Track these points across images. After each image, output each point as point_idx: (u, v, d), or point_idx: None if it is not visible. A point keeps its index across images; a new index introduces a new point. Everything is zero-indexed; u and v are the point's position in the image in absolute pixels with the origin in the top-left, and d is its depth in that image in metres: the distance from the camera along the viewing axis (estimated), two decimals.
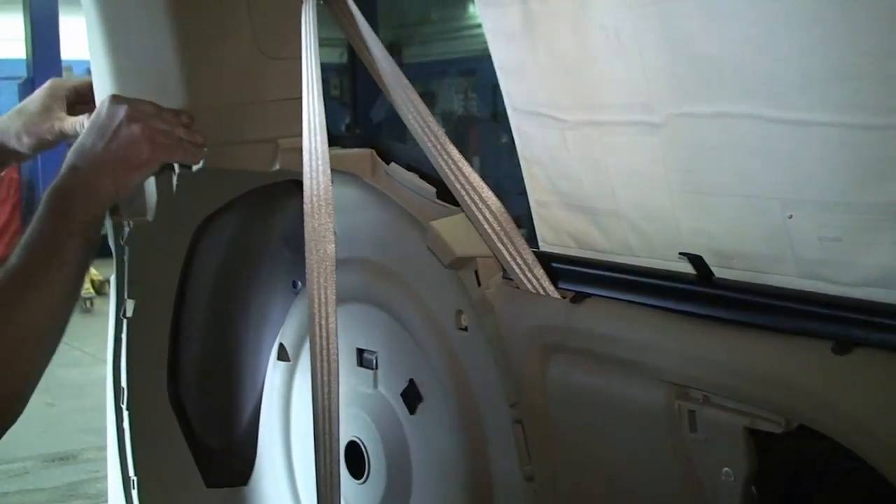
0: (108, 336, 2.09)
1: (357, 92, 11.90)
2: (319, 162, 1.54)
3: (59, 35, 11.78)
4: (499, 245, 1.53)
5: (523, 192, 1.54)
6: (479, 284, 1.58)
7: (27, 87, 11.01)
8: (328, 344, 1.53)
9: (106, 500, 2.24)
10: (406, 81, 1.59)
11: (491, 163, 10.59)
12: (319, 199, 1.54)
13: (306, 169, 1.55)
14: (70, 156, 1.54)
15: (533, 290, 1.50)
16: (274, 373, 2.12)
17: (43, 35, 11.83)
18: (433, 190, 1.68)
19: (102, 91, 1.78)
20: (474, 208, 1.55)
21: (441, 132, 1.57)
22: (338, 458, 1.57)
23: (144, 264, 2.00)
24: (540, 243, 1.55)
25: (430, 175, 1.68)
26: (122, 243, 1.98)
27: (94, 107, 1.77)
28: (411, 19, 13.96)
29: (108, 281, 2.09)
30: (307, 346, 1.63)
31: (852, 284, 1.11)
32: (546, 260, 1.51)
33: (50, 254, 1.44)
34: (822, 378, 1.11)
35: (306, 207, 1.54)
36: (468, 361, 1.64)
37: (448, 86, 12.99)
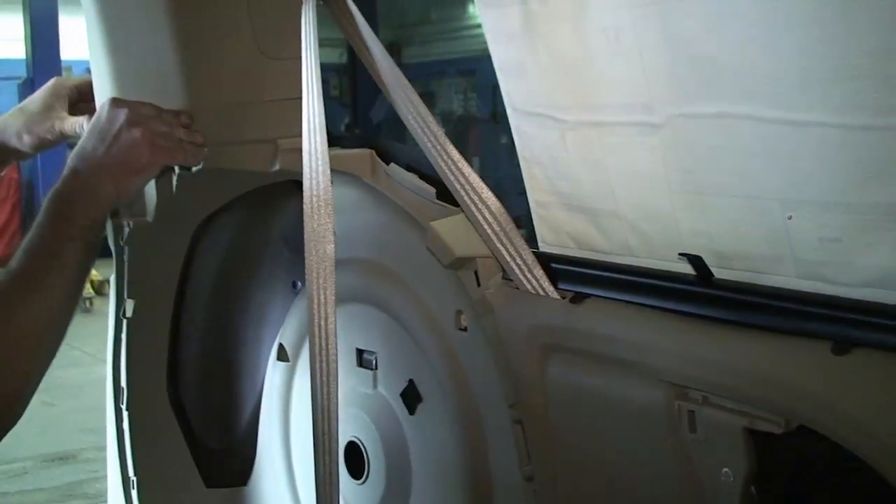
0: (107, 336, 2.09)
1: (357, 92, 11.90)
2: (319, 162, 1.54)
3: (58, 35, 11.78)
4: (498, 245, 1.53)
5: (523, 193, 1.54)
6: (479, 285, 1.58)
7: (27, 87, 11.01)
8: (328, 344, 1.53)
9: (105, 500, 2.24)
10: (406, 81, 1.59)
11: (491, 163, 10.59)
12: (319, 200, 1.54)
13: (306, 169, 1.55)
14: (71, 160, 1.54)
15: (532, 291, 1.50)
16: (273, 373, 2.12)
17: (43, 35, 11.83)
18: (433, 190, 1.68)
19: (102, 91, 1.78)
20: (474, 209, 1.55)
21: (441, 132, 1.57)
22: (337, 459, 1.57)
23: (144, 264, 2.00)
24: (539, 244, 1.55)
25: (429, 175, 1.68)
26: (121, 243, 1.98)
27: (95, 107, 1.78)
28: (411, 19, 13.96)
29: (107, 281, 2.09)
30: (307, 346, 1.63)
31: (852, 285, 1.11)
32: (546, 260, 1.51)
33: (51, 257, 1.44)
34: (822, 379, 1.11)
35: (306, 208, 1.54)
36: (468, 362, 1.64)
37: (448, 86, 12.99)
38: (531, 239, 1.55)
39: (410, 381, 1.78)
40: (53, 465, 5.57)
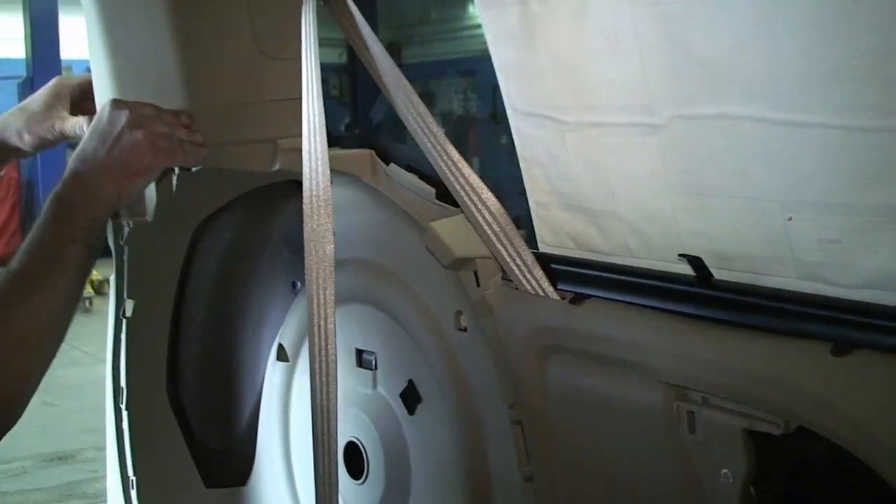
0: (107, 336, 2.09)
1: (357, 92, 11.89)
2: (319, 162, 1.54)
3: (58, 34, 11.78)
4: (498, 246, 1.53)
5: (523, 193, 1.54)
6: (479, 285, 1.58)
7: (27, 86, 11.01)
8: (327, 344, 1.53)
9: (105, 500, 2.24)
10: (405, 82, 1.59)
11: (490, 163, 10.59)
12: (319, 200, 1.54)
13: (306, 169, 1.55)
14: (72, 162, 1.54)
15: (532, 291, 1.50)
16: (273, 373, 2.12)
17: (42, 34, 11.83)
18: (432, 191, 1.68)
19: (102, 91, 1.78)
20: (473, 209, 1.55)
21: (440, 133, 1.57)
22: (336, 459, 1.57)
23: (144, 264, 2.00)
24: (539, 244, 1.55)
25: (429, 176, 1.68)
26: (121, 243, 1.98)
27: (96, 106, 1.78)
28: (411, 19, 13.95)
29: (107, 281, 2.09)
30: (306, 346, 1.63)
31: (851, 286, 1.11)
32: (545, 261, 1.51)
33: (52, 259, 1.44)
34: (821, 380, 1.11)
35: (306, 208, 1.54)
36: (467, 362, 1.64)
37: (448, 86, 12.98)
38: (531, 239, 1.55)
39: (410, 381, 1.78)
40: (53, 464, 5.56)
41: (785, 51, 1.06)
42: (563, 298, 1.47)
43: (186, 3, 1.69)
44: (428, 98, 11.60)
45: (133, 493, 2.10)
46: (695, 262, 1.27)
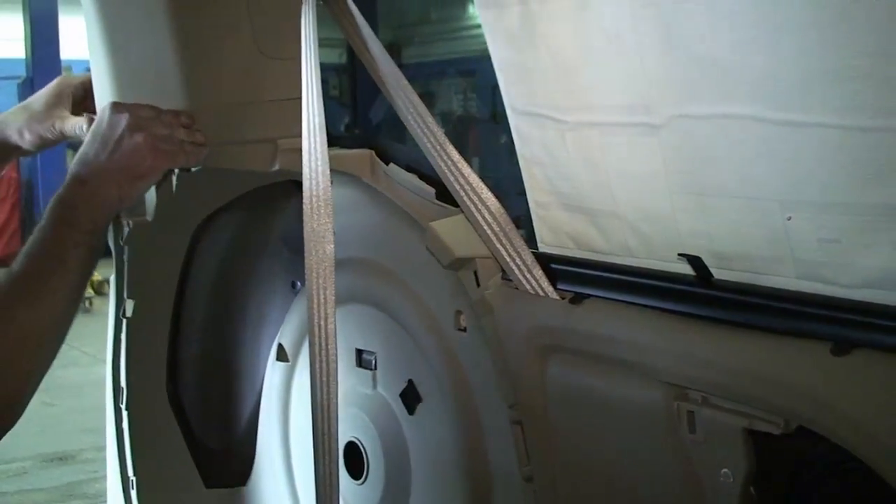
0: (107, 336, 2.09)
1: (356, 92, 11.89)
2: (319, 162, 1.54)
3: (58, 34, 11.77)
4: (498, 246, 1.53)
5: (522, 193, 1.54)
6: (479, 285, 1.58)
7: (26, 87, 11.01)
8: (327, 344, 1.53)
9: (105, 501, 2.24)
10: (405, 82, 1.59)
11: (490, 163, 10.59)
12: (319, 200, 1.54)
13: (306, 169, 1.55)
14: (74, 166, 1.55)
15: (532, 291, 1.50)
16: (273, 373, 2.12)
17: (42, 34, 11.82)
18: (432, 191, 1.68)
19: (102, 92, 1.78)
20: (473, 209, 1.55)
21: (440, 133, 1.57)
22: (337, 459, 1.57)
23: (144, 264, 2.00)
24: (539, 244, 1.55)
25: (429, 176, 1.68)
26: (121, 243, 1.98)
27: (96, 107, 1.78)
28: (411, 19, 13.95)
29: (107, 281, 2.09)
30: (306, 346, 1.63)
31: (851, 286, 1.11)
32: (545, 261, 1.51)
33: (54, 261, 1.45)
34: (821, 379, 1.11)
35: (305, 208, 1.54)
36: (467, 362, 1.65)
37: (447, 86, 12.98)
38: (531, 239, 1.55)
39: (410, 381, 1.78)
40: (53, 465, 5.56)
41: (784, 51, 1.07)
42: (563, 298, 1.47)
43: (186, 4, 1.69)
44: (428, 98, 11.60)
45: (133, 493, 2.10)
46: (695, 261, 1.27)
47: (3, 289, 1.42)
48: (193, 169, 1.80)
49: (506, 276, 1.55)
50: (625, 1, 1.22)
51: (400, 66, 1.60)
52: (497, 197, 1.55)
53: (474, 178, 1.55)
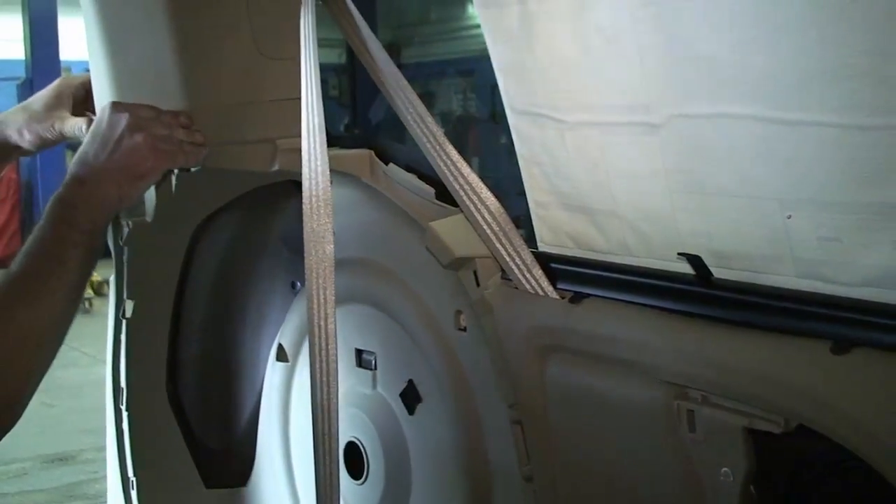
0: (107, 336, 2.09)
1: (356, 92, 11.89)
2: (318, 162, 1.54)
3: (57, 35, 11.77)
4: (497, 245, 1.53)
5: (522, 193, 1.54)
6: (478, 285, 1.58)
7: (26, 87, 11.01)
8: (327, 344, 1.53)
9: (105, 501, 2.24)
10: (405, 82, 1.59)
11: (490, 163, 10.59)
12: (318, 200, 1.54)
13: (305, 169, 1.55)
14: (73, 166, 1.55)
15: (532, 291, 1.50)
16: (273, 373, 2.12)
17: (42, 35, 11.82)
18: (432, 190, 1.68)
19: (101, 92, 1.78)
20: (473, 209, 1.55)
21: (440, 133, 1.57)
22: (337, 459, 1.57)
23: (143, 265, 2.00)
24: (539, 244, 1.55)
25: (428, 176, 1.68)
26: (121, 244, 1.98)
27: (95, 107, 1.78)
28: (410, 19, 13.95)
29: (106, 282, 2.09)
30: (306, 346, 1.63)
31: (851, 284, 1.11)
32: (545, 260, 1.51)
33: (53, 262, 1.45)
34: (821, 378, 1.11)
35: (305, 208, 1.54)
36: (467, 362, 1.65)
37: (447, 86, 12.98)
38: (530, 239, 1.55)
39: (410, 381, 1.78)
40: (53, 465, 5.57)
41: (783, 50, 1.07)
42: (563, 298, 1.47)
43: (185, 4, 1.69)
44: (427, 98, 11.60)
45: (133, 493, 2.10)
46: (694, 260, 1.27)
47: (2, 289, 1.42)
48: (193, 169, 1.80)
49: (505, 275, 1.55)
50: (624, 1, 1.22)
51: (399, 66, 1.60)
52: (497, 196, 1.55)
53: (474, 178, 1.55)
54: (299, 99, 1.57)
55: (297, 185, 1.58)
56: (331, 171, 1.55)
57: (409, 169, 1.75)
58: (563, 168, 1.44)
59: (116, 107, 1.59)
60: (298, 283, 2.07)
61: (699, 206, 1.25)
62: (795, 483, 1.28)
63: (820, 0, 1.01)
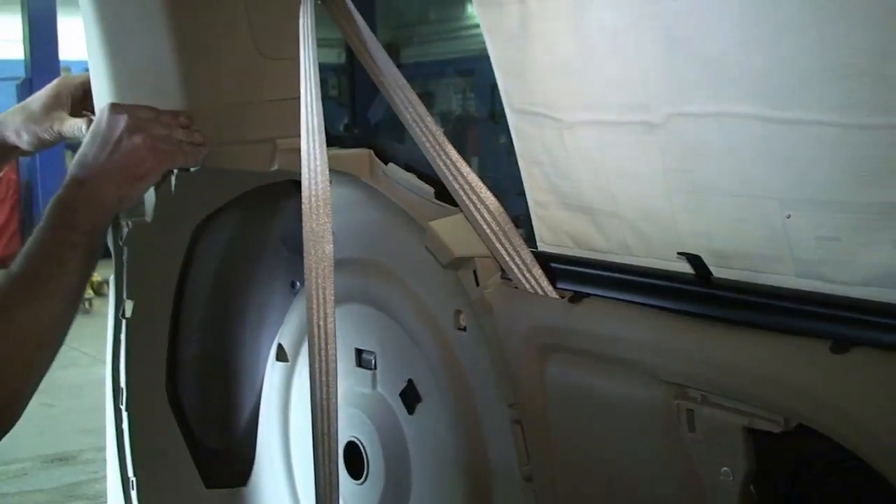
0: (107, 337, 2.09)
1: (355, 92, 11.89)
2: (318, 162, 1.54)
3: (57, 35, 11.78)
4: (497, 245, 1.53)
5: (522, 193, 1.54)
6: (478, 284, 1.58)
7: (25, 87, 11.01)
8: (327, 344, 1.53)
9: (105, 501, 2.24)
10: (404, 81, 1.59)
11: (489, 163, 10.59)
12: (318, 200, 1.54)
13: (304, 169, 1.55)
14: (72, 168, 1.55)
15: (531, 290, 1.50)
16: (272, 373, 2.12)
17: (41, 35, 11.83)
18: (431, 190, 1.68)
19: (101, 92, 1.78)
20: (472, 208, 1.55)
21: (439, 132, 1.57)
22: (336, 459, 1.57)
23: (143, 265, 2.00)
24: (538, 243, 1.55)
25: (428, 175, 1.68)
26: (120, 244, 1.98)
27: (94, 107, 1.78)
28: (409, 19, 13.95)
29: (106, 282, 2.09)
30: (306, 346, 1.63)
31: (850, 284, 1.11)
32: (544, 260, 1.51)
33: (53, 263, 1.45)
34: (821, 377, 1.11)
35: (305, 208, 1.54)
36: (467, 361, 1.64)
37: (446, 86, 12.98)
38: (530, 238, 1.55)
39: (409, 381, 1.78)
40: (53, 465, 5.57)
41: (783, 49, 1.07)
42: (563, 297, 1.47)
43: (184, 4, 1.69)
44: (427, 98, 11.60)
45: (133, 493, 2.10)
46: (694, 260, 1.27)
47: (2, 290, 1.42)
48: (192, 169, 1.80)
49: (505, 275, 1.55)
50: (623, 1, 1.22)
51: (398, 65, 1.60)
52: (496, 196, 1.55)
53: (473, 178, 1.55)
54: (298, 99, 1.57)
55: (297, 184, 1.59)
56: (330, 170, 1.55)
57: (408, 168, 1.75)
58: (563, 167, 1.44)
59: (115, 108, 1.59)
60: (298, 283, 2.07)
61: (699, 206, 1.25)
62: (795, 482, 1.28)
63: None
